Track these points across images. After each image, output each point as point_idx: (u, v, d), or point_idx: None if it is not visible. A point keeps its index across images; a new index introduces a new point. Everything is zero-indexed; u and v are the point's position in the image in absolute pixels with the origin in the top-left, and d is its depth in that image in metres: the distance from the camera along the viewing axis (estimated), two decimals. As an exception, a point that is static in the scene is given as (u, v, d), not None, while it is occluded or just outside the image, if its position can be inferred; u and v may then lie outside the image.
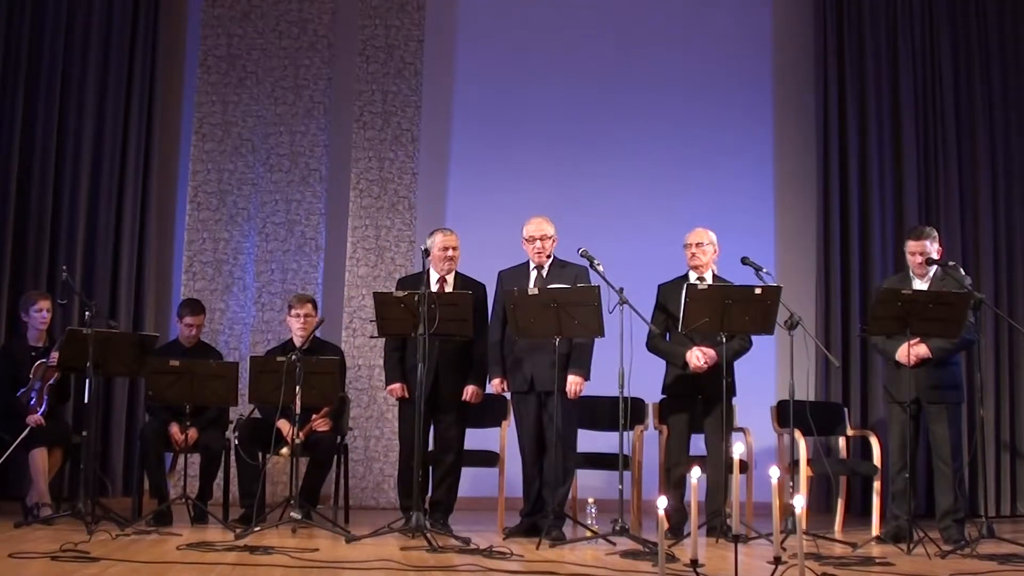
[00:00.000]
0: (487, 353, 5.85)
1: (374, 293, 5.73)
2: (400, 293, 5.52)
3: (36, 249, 7.49)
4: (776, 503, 3.59)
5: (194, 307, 6.59)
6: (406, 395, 5.85)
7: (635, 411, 6.62)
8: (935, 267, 5.73)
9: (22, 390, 6.24)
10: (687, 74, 8.37)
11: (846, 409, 7.31)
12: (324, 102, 7.98)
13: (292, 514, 5.55)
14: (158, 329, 7.58)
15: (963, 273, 5.91)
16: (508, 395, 5.92)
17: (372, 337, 7.01)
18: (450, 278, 5.93)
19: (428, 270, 5.80)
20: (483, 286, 5.96)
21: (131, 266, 7.72)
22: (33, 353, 6.34)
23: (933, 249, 5.78)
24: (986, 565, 4.76)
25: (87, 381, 5.72)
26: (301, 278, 7.78)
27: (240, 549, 4.79)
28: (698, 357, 5.74)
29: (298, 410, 5.59)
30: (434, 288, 5.80)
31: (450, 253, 5.89)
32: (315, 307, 6.52)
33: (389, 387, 5.95)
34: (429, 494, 5.84)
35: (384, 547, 4.98)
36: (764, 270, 5.62)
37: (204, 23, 7.99)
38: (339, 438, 6.38)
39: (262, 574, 4.18)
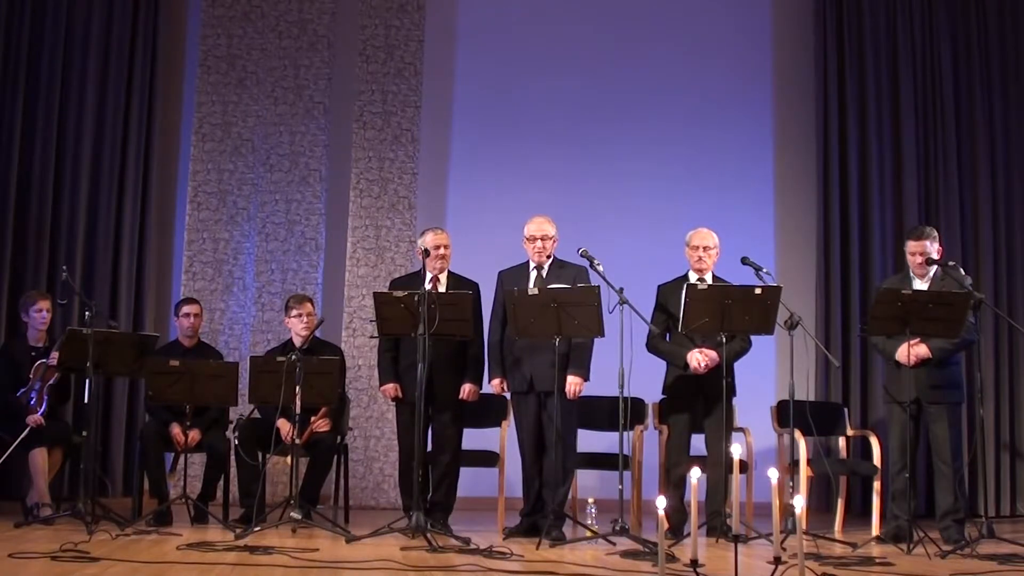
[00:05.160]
0: (483, 352, 5.85)
1: (374, 293, 5.73)
2: (400, 293, 5.51)
3: (36, 249, 7.50)
4: (776, 503, 3.59)
5: (189, 299, 6.69)
6: (400, 396, 5.85)
7: (635, 411, 6.62)
8: (935, 267, 5.73)
9: (22, 390, 6.24)
10: (687, 74, 8.37)
11: (846, 409, 7.31)
12: (324, 102, 7.98)
13: (292, 514, 5.55)
14: (158, 329, 7.58)
15: (963, 273, 5.91)
16: (508, 395, 5.92)
17: (372, 337, 7.01)
18: (443, 277, 5.92)
19: (430, 272, 5.82)
20: (476, 285, 5.95)
21: (131, 266, 7.73)
22: (33, 353, 6.35)
23: (933, 249, 5.77)
24: (986, 565, 4.76)
25: (87, 381, 5.72)
26: (301, 278, 7.78)
27: (240, 549, 4.79)
28: (699, 360, 5.74)
29: (298, 410, 5.60)
30: (427, 287, 5.78)
31: (442, 252, 5.88)
32: (314, 307, 6.53)
33: (382, 388, 5.94)
34: (430, 494, 5.83)
35: (384, 547, 4.98)
36: (764, 270, 5.62)
37: (204, 23, 7.99)
38: (339, 438, 6.37)
39: (262, 574, 4.18)
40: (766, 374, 7.67)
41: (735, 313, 5.40)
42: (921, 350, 5.65)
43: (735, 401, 5.98)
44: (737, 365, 5.88)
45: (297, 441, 5.78)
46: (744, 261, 5.68)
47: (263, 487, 5.95)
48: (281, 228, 7.85)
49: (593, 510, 5.83)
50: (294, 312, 6.37)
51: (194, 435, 6.15)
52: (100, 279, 7.62)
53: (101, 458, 7.16)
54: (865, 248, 8.02)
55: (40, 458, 6.08)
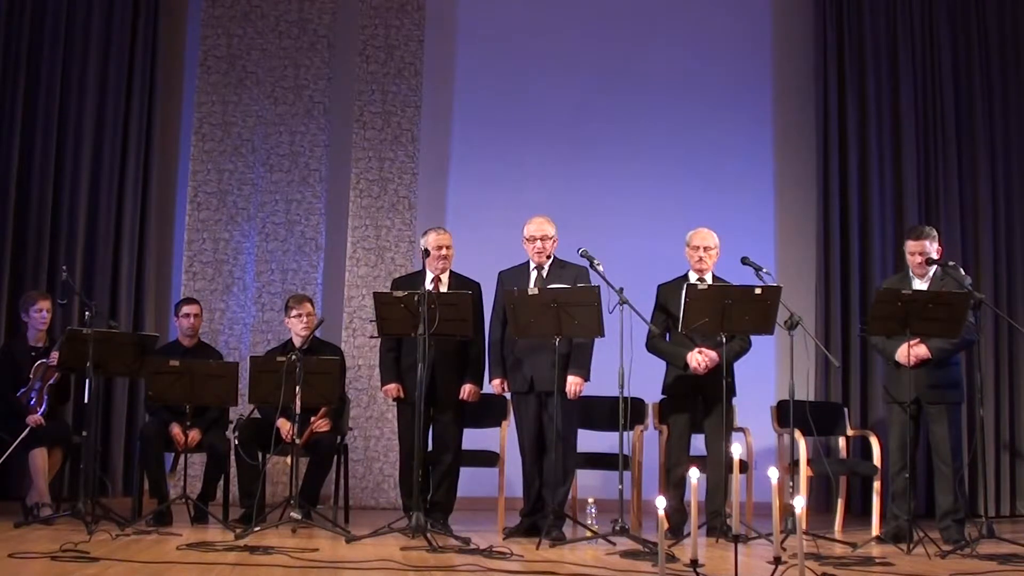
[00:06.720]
0: (483, 352, 5.85)
1: (374, 293, 5.73)
2: (400, 293, 5.50)
3: (36, 249, 7.50)
4: (776, 503, 3.59)
5: (189, 299, 6.70)
6: (401, 395, 5.85)
7: (635, 411, 6.62)
8: (935, 267, 5.73)
9: (22, 390, 6.24)
10: (687, 74, 8.37)
11: (846, 409, 7.31)
12: (324, 102, 7.98)
13: (292, 514, 5.55)
14: (158, 329, 7.58)
15: (963, 273, 5.90)
16: (508, 395, 5.92)
17: (372, 337, 7.01)
18: (444, 277, 5.92)
19: (431, 272, 5.83)
20: (478, 285, 5.95)
21: (131, 266, 7.73)
22: (33, 353, 6.34)
23: (933, 249, 5.77)
24: (986, 565, 4.76)
25: (87, 381, 5.72)
26: (301, 278, 7.78)
27: (240, 549, 4.79)
28: (699, 360, 5.73)
29: (298, 410, 5.60)
30: (429, 287, 5.79)
31: (444, 252, 5.88)
32: (313, 307, 6.53)
33: (384, 388, 5.94)
34: (430, 494, 5.83)
35: (384, 547, 4.98)
36: (764, 270, 5.62)
37: (204, 23, 7.99)
38: (339, 438, 6.37)
39: (262, 574, 4.18)
40: (766, 374, 7.67)
41: (735, 313, 5.39)
42: (921, 350, 5.64)
43: (735, 401, 5.98)
44: (737, 365, 5.88)
45: (297, 441, 5.78)
46: (744, 261, 5.68)
47: (263, 487, 5.96)
48: (281, 228, 7.85)
49: (593, 510, 5.83)
50: (294, 312, 6.37)
51: (194, 435, 6.15)
52: (100, 279, 7.61)
53: (101, 458, 7.15)
54: (865, 248, 8.02)
55: (40, 458, 6.08)
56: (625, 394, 5.28)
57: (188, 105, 8.05)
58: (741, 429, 6.43)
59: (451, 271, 5.95)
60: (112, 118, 7.76)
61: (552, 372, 5.48)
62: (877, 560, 4.89)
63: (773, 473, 3.51)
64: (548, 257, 5.79)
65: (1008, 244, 8.12)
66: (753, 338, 5.90)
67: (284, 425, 6.00)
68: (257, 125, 7.94)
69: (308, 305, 6.44)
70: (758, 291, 5.40)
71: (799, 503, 3.56)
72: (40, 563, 4.32)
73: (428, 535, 5.04)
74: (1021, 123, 8.24)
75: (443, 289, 5.81)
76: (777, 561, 3.50)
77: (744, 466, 6.32)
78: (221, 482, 6.39)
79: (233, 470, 6.31)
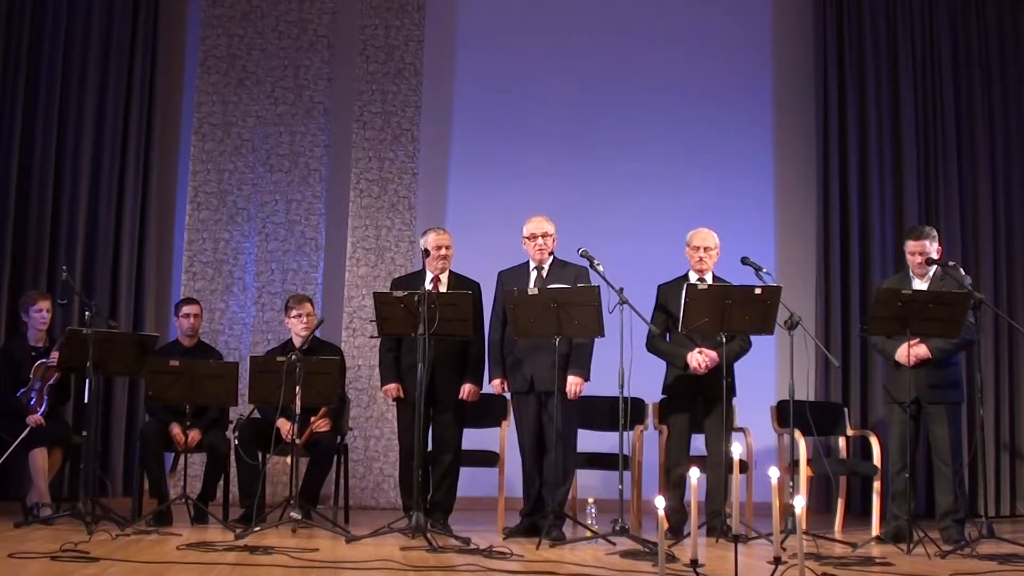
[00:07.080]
0: (483, 352, 5.85)
1: (374, 293, 5.73)
2: (400, 293, 5.50)
3: (36, 249, 7.50)
4: (776, 503, 3.59)
5: (189, 299, 6.70)
6: (401, 395, 5.85)
7: (635, 411, 6.62)
8: (935, 267, 5.73)
9: (22, 390, 6.23)
10: (687, 74, 8.37)
11: (846, 409, 7.31)
12: (324, 102, 7.98)
13: (292, 514, 5.55)
14: (158, 329, 7.58)
15: (963, 273, 5.90)
16: (508, 395, 5.92)
17: (372, 337, 7.01)
18: (444, 277, 5.92)
19: (431, 272, 5.83)
20: (477, 285, 5.95)
21: (131, 266, 7.73)
22: (33, 353, 6.34)
23: (933, 249, 5.78)
24: (986, 565, 4.76)
25: (87, 381, 5.72)
26: (301, 278, 7.79)
27: (240, 549, 4.79)
28: (699, 360, 5.73)
29: (298, 410, 5.60)
30: (428, 287, 5.79)
31: (443, 252, 5.88)
32: (313, 307, 6.53)
33: (384, 388, 5.95)
34: (430, 494, 5.83)
35: (384, 547, 4.98)
36: (764, 270, 5.62)
37: (204, 23, 8.00)
38: (339, 438, 6.37)
39: (262, 574, 4.18)
40: (766, 374, 7.67)
41: (735, 313, 5.39)
42: (921, 350, 5.65)
43: (735, 401, 5.98)
44: (737, 365, 5.88)
45: (297, 441, 5.78)
46: (744, 261, 5.68)
47: (263, 487, 5.96)
48: (281, 228, 7.85)
49: (593, 510, 5.83)
50: (294, 312, 6.37)
51: (194, 435, 6.15)
52: (100, 279, 7.61)
53: (101, 458, 7.16)
54: (865, 248, 8.02)
55: (40, 458, 6.08)
56: (625, 394, 5.28)
57: (188, 105, 8.05)
58: (741, 429, 6.43)
59: (451, 271, 5.95)
60: (112, 118, 7.76)
61: (552, 372, 5.48)
62: (877, 560, 4.89)
63: (773, 473, 3.50)
64: (549, 255, 5.79)
65: (1008, 244, 8.13)
66: (753, 338, 5.91)
67: (284, 425, 6.00)
68: (257, 125, 7.94)
69: (308, 305, 6.44)
70: (758, 291, 5.40)
71: (799, 503, 3.56)
72: (40, 563, 4.32)
73: (428, 535, 5.04)
74: (1021, 123, 8.25)
75: (443, 289, 5.82)
76: (777, 561, 3.50)
77: (744, 466, 6.32)
78: (221, 482, 6.39)
79: (233, 470, 6.31)
